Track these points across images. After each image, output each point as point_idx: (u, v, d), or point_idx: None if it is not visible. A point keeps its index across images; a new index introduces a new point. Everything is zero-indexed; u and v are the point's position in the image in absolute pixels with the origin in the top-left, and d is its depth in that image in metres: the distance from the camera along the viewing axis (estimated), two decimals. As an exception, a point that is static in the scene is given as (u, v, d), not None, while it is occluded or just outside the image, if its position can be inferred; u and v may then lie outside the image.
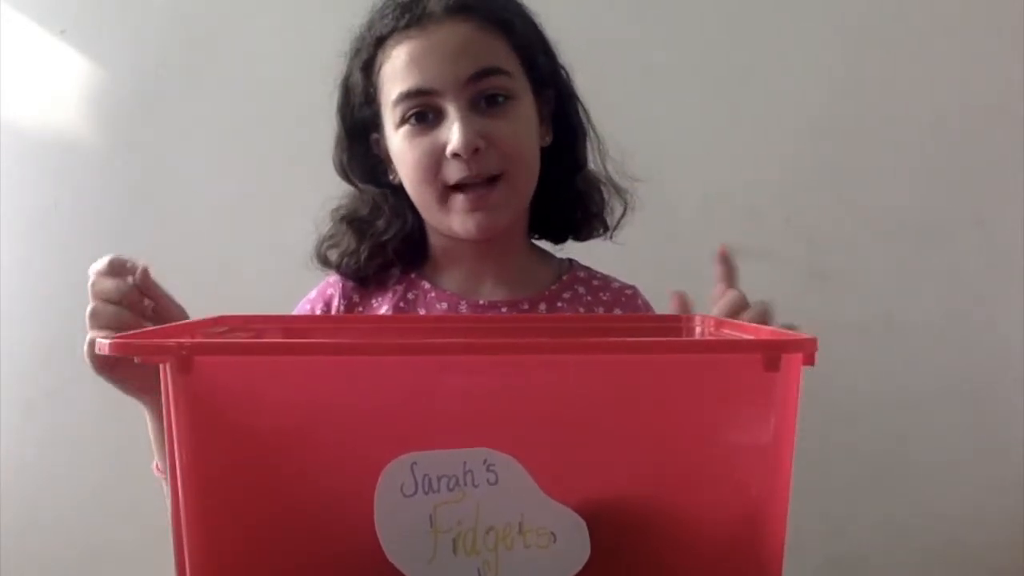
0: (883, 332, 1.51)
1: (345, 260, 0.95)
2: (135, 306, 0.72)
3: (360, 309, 0.96)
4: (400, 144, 0.87)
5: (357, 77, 0.91)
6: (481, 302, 0.93)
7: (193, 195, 1.47)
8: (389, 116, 0.88)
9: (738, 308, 0.75)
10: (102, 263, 0.72)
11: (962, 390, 1.52)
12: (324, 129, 0.96)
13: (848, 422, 1.49)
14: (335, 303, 0.96)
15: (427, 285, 0.95)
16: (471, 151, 0.83)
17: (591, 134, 0.97)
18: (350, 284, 0.96)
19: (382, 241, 0.94)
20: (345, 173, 0.96)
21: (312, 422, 0.55)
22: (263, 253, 1.43)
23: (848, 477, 1.51)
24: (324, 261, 0.97)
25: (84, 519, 1.48)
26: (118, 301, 0.71)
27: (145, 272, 0.72)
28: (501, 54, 0.87)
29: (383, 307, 0.94)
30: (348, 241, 0.95)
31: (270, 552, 0.56)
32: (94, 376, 0.70)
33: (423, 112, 0.85)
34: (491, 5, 0.88)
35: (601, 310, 0.96)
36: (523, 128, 0.89)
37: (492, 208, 0.87)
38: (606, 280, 1.00)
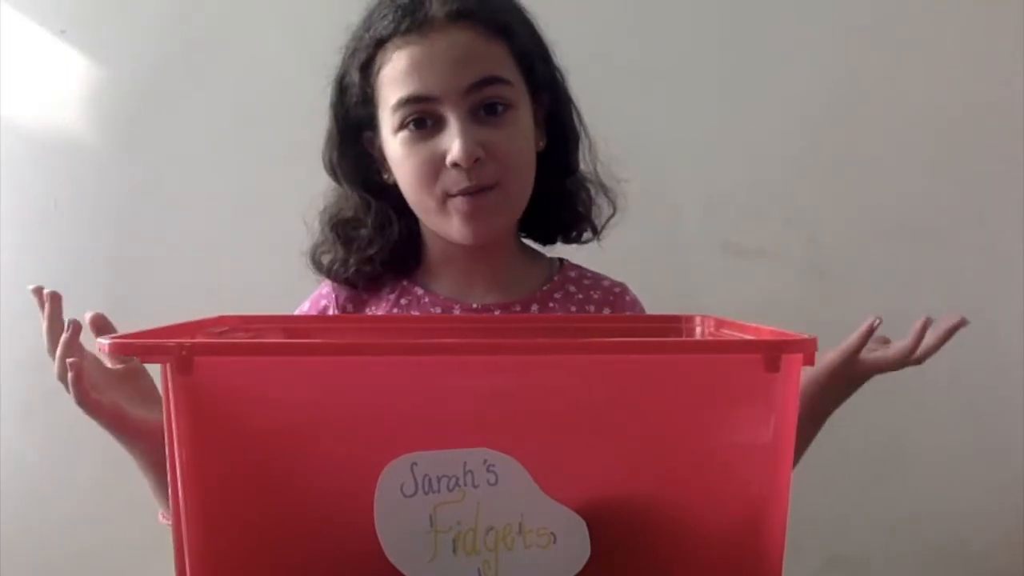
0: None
1: (336, 268, 0.95)
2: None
3: None
4: (399, 149, 0.88)
5: (354, 76, 0.90)
6: (475, 306, 0.94)
7: (193, 195, 1.47)
8: (387, 119, 0.88)
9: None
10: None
11: (962, 390, 1.52)
12: (324, 129, 0.96)
13: (848, 422, 1.49)
14: (330, 313, 0.96)
15: (420, 291, 0.95)
16: (471, 161, 0.84)
17: (583, 137, 0.97)
18: (344, 294, 0.97)
19: (368, 255, 0.94)
20: (334, 172, 0.95)
21: (312, 422, 0.55)
22: (263, 253, 1.43)
23: (848, 477, 1.51)
24: (318, 266, 0.97)
25: (84, 519, 1.48)
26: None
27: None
28: (501, 62, 0.87)
29: (378, 314, 0.95)
30: (337, 250, 0.95)
31: (270, 552, 0.56)
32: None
33: (422, 119, 0.85)
34: (492, 12, 0.88)
35: (592, 308, 0.96)
36: (521, 137, 0.89)
37: (488, 215, 0.87)
38: (596, 278, 1.00)
